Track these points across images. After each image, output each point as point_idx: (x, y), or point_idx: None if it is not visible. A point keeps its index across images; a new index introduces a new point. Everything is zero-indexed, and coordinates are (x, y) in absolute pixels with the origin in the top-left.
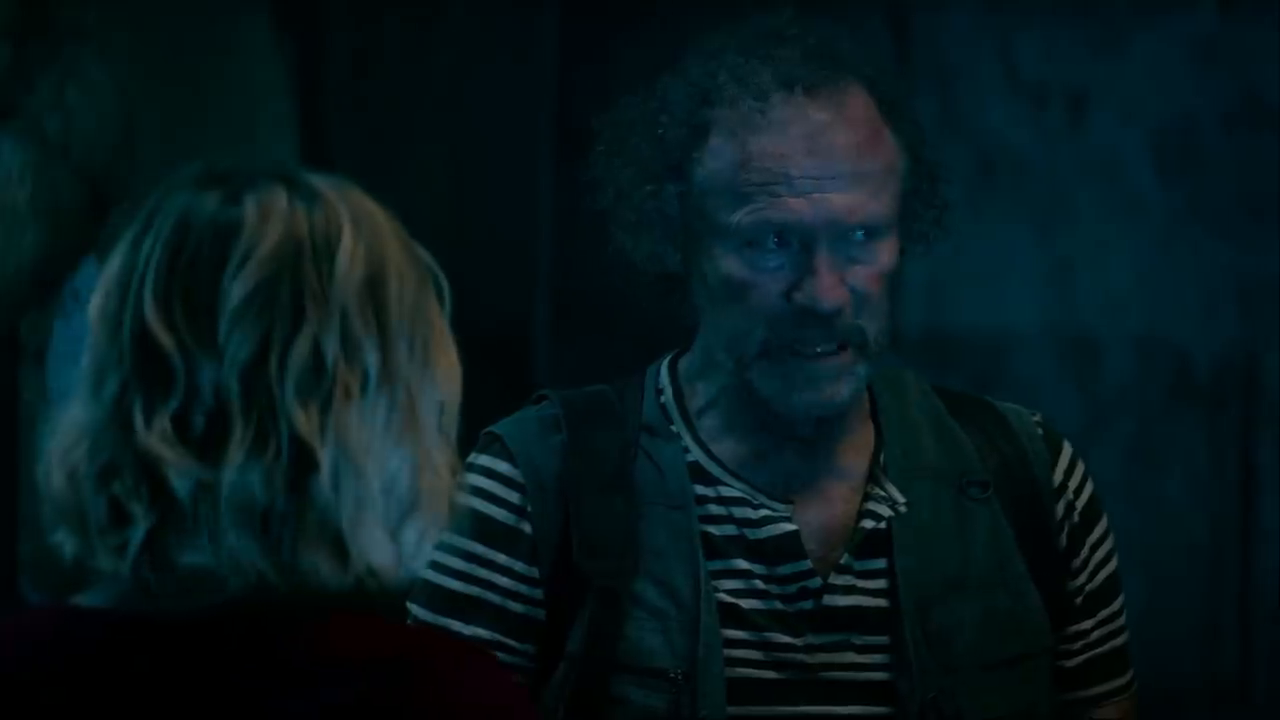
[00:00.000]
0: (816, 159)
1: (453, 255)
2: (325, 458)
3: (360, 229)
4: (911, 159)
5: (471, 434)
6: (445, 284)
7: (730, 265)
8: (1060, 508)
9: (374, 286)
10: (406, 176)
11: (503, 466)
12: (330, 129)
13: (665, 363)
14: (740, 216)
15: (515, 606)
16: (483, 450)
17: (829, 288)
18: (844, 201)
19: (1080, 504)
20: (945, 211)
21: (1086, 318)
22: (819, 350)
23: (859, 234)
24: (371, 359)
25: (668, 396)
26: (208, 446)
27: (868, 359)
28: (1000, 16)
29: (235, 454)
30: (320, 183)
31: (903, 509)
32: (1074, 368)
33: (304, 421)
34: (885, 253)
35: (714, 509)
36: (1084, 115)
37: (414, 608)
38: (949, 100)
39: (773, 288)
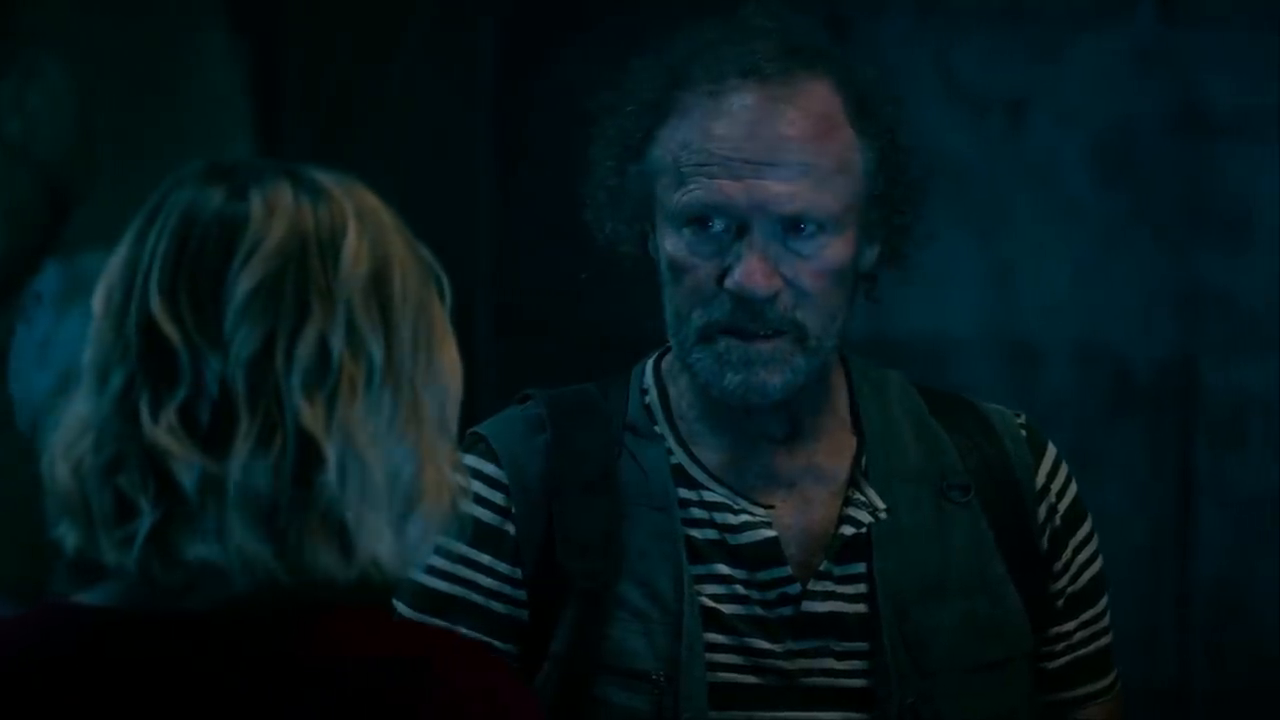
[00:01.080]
0: (757, 144)
1: None
2: (331, 451)
3: (365, 224)
4: (878, 162)
5: None
6: (446, 280)
7: (673, 246)
8: (1042, 510)
9: (378, 282)
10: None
11: (488, 467)
12: (284, 133)
13: (650, 361)
14: (679, 196)
15: (498, 607)
16: (467, 450)
17: (757, 273)
18: (781, 189)
19: (1063, 506)
20: (917, 223)
21: (1026, 323)
22: (752, 333)
23: (805, 226)
24: (376, 353)
25: (652, 396)
26: (214, 440)
27: (807, 353)
28: (939, 23)
29: (241, 447)
30: (325, 178)
31: (883, 515)
32: (1013, 373)
33: (310, 415)
34: (832, 250)
35: (696, 512)
36: (1023, 121)
37: (399, 606)
38: None
39: (707, 271)
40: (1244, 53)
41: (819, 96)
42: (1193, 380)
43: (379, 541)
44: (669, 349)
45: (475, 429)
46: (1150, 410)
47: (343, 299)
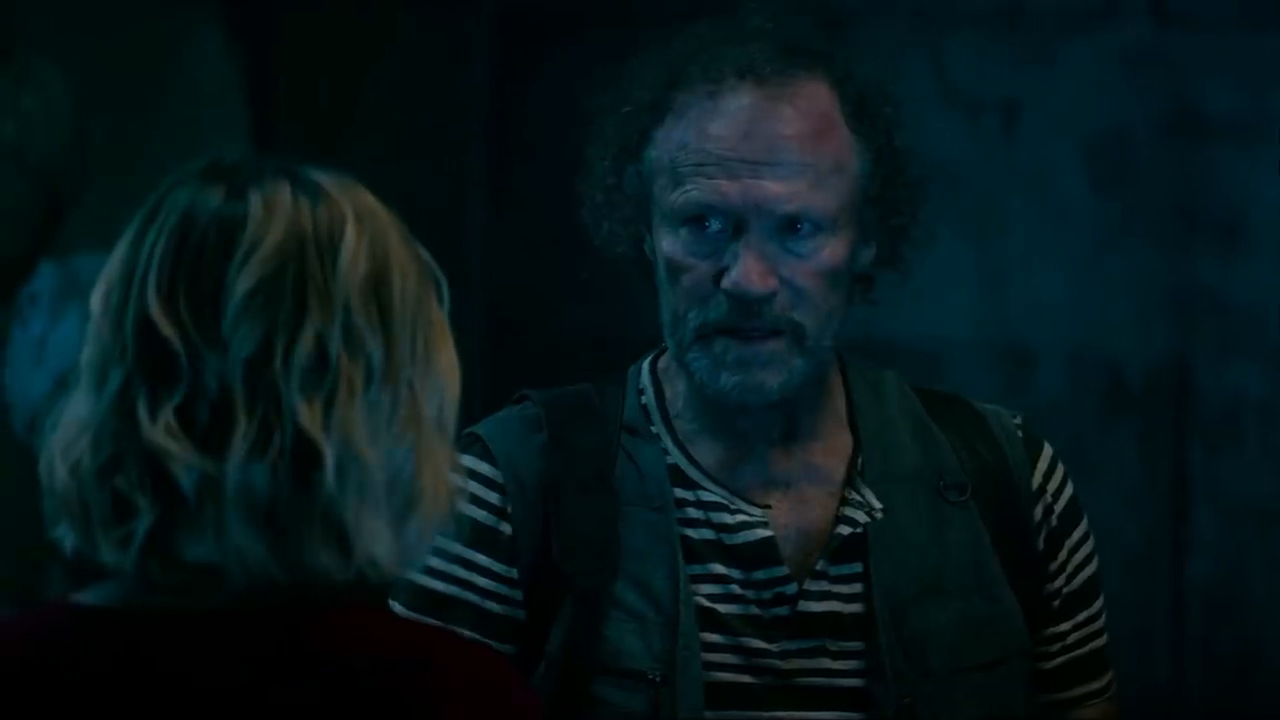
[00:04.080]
0: (753, 144)
1: None
2: (329, 452)
3: (363, 225)
4: (874, 163)
5: None
6: (444, 281)
7: (670, 246)
8: (1039, 510)
9: (377, 282)
10: None
11: (484, 468)
12: (278, 135)
13: (647, 361)
14: (676, 196)
15: (494, 607)
16: (464, 450)
17: (753, 273)
18: (777, 189)
19: (1059, 506)
20: (914, 225)
21: (1019, 327)
22: (749, 333)
23: (802, 226)
24: (375, 354)
25: (649, 397)
26: (212, 440)
27: (805, 354)
28: (932, 26)
29: (239, 447)
30: (323, 178)
31: (879, 515)
32: (1007, 377)
33: (308, 415)
34: (828, 250)
35: (693, 512)
36: (1016, 126)
37: (395, 606)
38: None
39: (704, 270)
40: (1238, 55)
41: (816, 96)
42: (1187, 383)
43: (377, 542)
44: (665, 350)
45: (471, 429)
46: (1144, 413)
47: (341, 299)
